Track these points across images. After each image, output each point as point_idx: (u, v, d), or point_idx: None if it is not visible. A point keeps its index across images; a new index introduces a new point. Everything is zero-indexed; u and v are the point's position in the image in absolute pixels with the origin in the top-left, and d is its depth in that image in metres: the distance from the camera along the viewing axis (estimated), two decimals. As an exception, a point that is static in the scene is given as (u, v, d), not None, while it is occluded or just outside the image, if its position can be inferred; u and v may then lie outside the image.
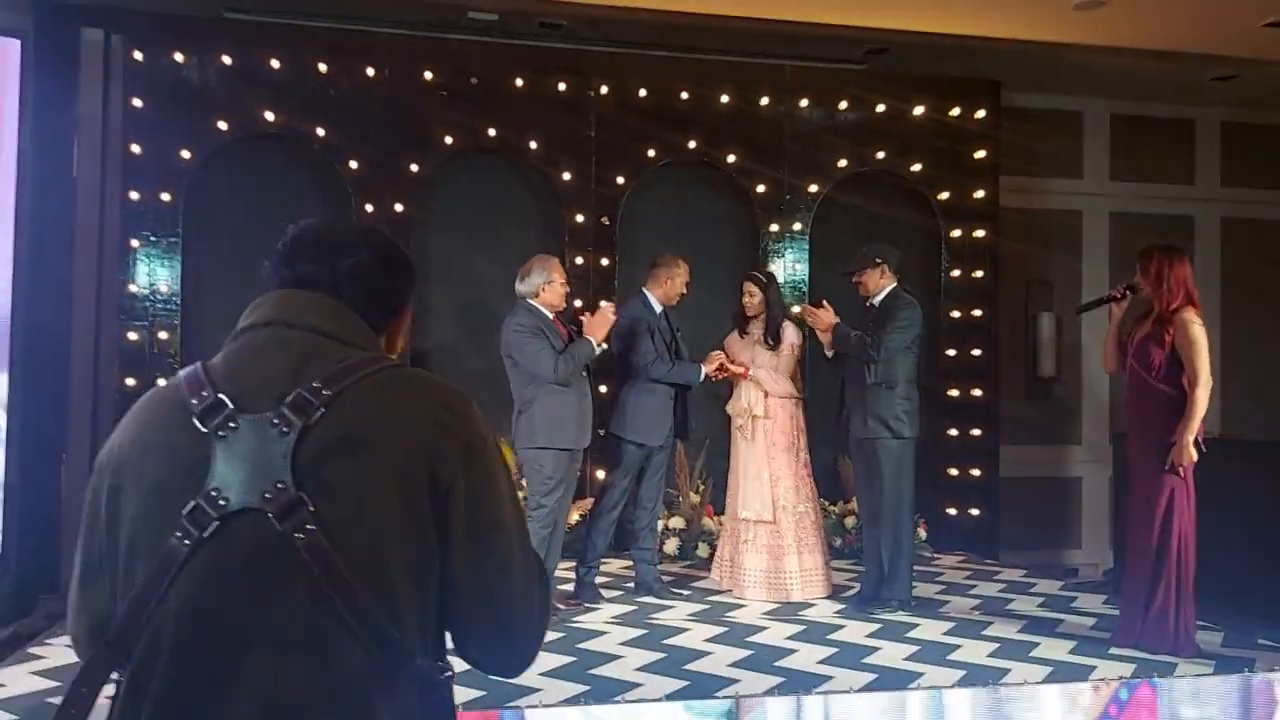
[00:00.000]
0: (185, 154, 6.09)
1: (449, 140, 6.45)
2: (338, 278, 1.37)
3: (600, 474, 5.21)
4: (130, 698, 1.21)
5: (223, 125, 6.15)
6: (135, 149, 6.04)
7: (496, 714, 3.16)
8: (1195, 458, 4.23)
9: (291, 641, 1.19)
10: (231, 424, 1.24)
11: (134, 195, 6.04)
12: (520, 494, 4.93)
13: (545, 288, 4.87)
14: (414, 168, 6.39)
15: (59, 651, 4.32)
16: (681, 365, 5.28)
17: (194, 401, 1.26)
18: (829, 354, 5.23)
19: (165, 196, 6.07)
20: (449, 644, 1.33)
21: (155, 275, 6.07)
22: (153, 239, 6.07)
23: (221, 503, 1.21)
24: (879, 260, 5.13)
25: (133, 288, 6.03)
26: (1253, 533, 5.27)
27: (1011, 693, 3.58)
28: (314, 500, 1.20)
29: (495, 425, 5.74)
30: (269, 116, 6.20)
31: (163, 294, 6.07)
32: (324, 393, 1.24)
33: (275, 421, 1.23)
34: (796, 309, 6.69)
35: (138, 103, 6.06)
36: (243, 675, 1.18)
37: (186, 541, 1.21)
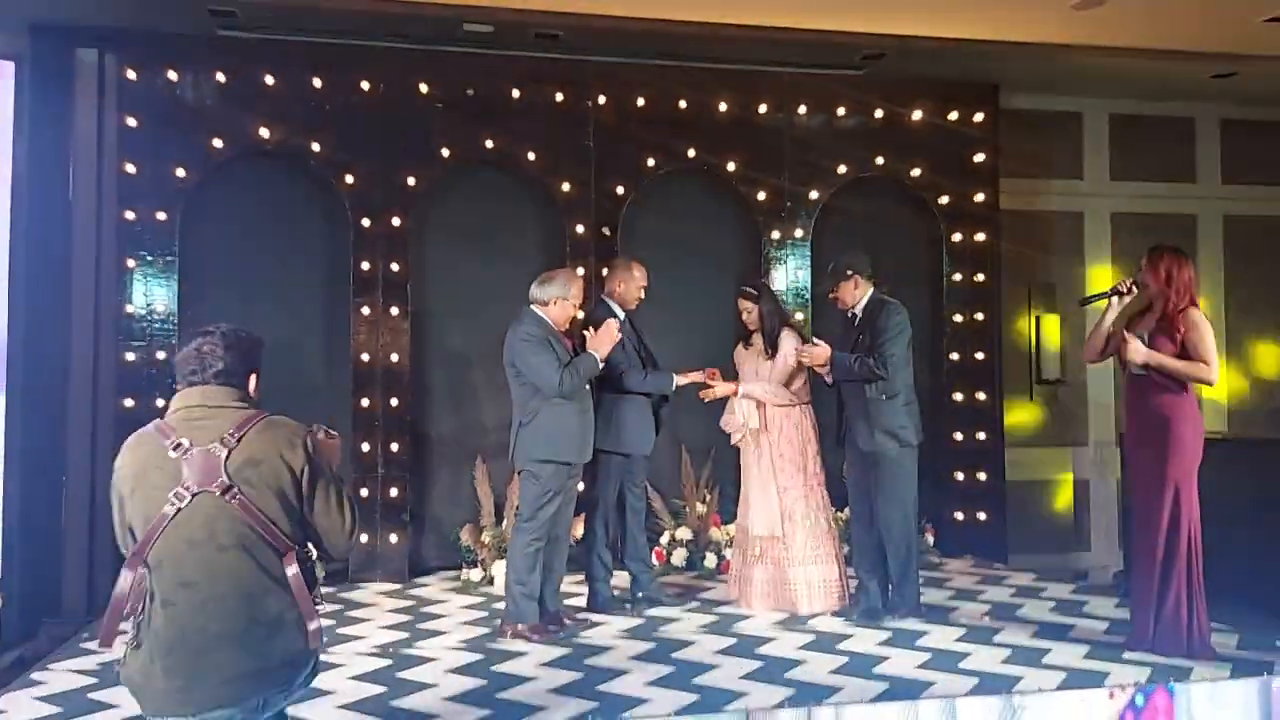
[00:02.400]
0: (181, 172, 6.07)
1: (446, 153, 6.42)
2: (212, 376, 2.58)
3: (580, 486, 5.17)
4: (150, 593, 2.48)
5: (218, 143, 6.12)
6: (130, 168, 6.01)
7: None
8: (1139, 360, 4.30)
9: (230, 548, 2.44)
10: (188, 453, 2.46)
11: (129, 215, 6.01)
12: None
13: (560, 302, 4.84)
14: (411, 181, 6.35)
15: (62, 677, 4.27)
16: (655, 374, 5.25)
17: (167, 442, 2.49)
18: (829, 382, 5.16)
19: (161, 216, 6.04)
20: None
21: (152, 295, 6.03)
22: (149, 258, 6.03)
23: (190, 488, 2.44)
24: (850, 271, 5.06)
25: (130, 308, 6.00)
26: (1265, 532, 5.22)
27: (1025, 700, 3.53)
28: (239, 487, 2.45)
29: (497, 437, 5.76)
30: (264, 133, 6.17)
31: (159, 314, 6.03)
32: (235, 436, 2.49)
33: (213, 450, 2.47)
34: (800, 316, 6.67)
35: (132, 122, 6.03)
36: (210, 570, 2.43)
37: (172, 507, 2.44)
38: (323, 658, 4.18)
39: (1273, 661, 4.22)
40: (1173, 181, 8.08)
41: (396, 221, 6.30)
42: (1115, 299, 4.57)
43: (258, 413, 2.55)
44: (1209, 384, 4.34)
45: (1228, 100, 7.89)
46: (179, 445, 2.45)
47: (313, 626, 2.47)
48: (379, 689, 3.99)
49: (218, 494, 2.42)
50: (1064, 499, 7.77)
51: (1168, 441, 4.27)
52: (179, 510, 2.41)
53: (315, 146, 6.24)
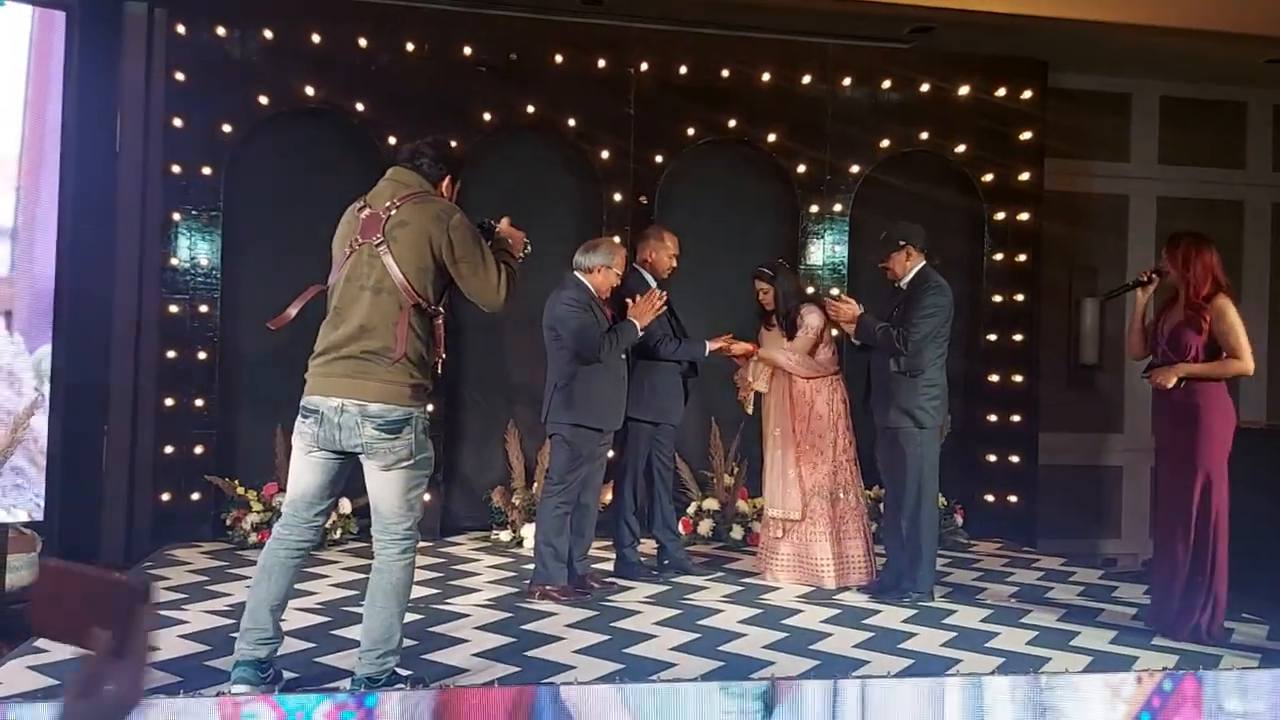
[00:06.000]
0: (226, 128, 6.12)
1: (487, 117, 6.42)
2: (405, 159, 3.50)
3: (610, 454, 5.21)
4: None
5: (264, 99, 6.16)
6: (177, 122, 6.07)
7: (532, 689, 3.16)
8: (1169, 385, 4.29)
9: (370, 289, 3.27)
10: (364, 212, 3.41)
11: (175, 169, 6.08)
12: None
13: (604, 270, 4.88)
14: (452, 144, 6.32)
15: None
16: (688, 342, 5.27)
17: (356, 205, 3.44)
18: (856, 343, 5.14)
19: (206, 170, 6.10)
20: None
21: (196, 249, 6.10)
22: (194, 212, 6.10)
23: (358, 239, 3.34)
24: (902, 242, 5.00)
25: (174, 261, 6.07)
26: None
27: (1052, 681, 3.53)
28: (388, 243, 3.28)
29: (530, 401, 5.80)
30: (309, 91, 6.21)
31: (203, 267, 6.11)
32: (397, 203, 3.31)
33: (379, 212, 3.34)
34: (834, 291, 6.63)
35: (180, 76, 6.08)
36: (356, 302, 3.29)
37: (347, 249, 3.38)
38: (350, 610, 4.28)
39: (1302, 653, 4.20)
40: (1222, 167, 7.93)
41: (437, 183, 6.33)
42: (1140, 290, 4.54)
43: (425, 192, 3.36)
44: (1245, 375, 4.30)
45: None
46: (363, 207, 3.33)
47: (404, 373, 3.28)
48: (410, 642, 4.05)
49: (374, 244, 3.24)
50: (1096, 485, 7.71)
51: (1197, 430, 4.25)
52: (349, 254, 3.29)
53: (359, 106, 6.26)
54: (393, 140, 6.19)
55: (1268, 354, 7.98)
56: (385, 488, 3.33)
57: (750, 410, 5.56)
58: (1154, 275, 4.53)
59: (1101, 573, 5.98)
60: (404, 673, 3.39)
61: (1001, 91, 7.05)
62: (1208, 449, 4.24)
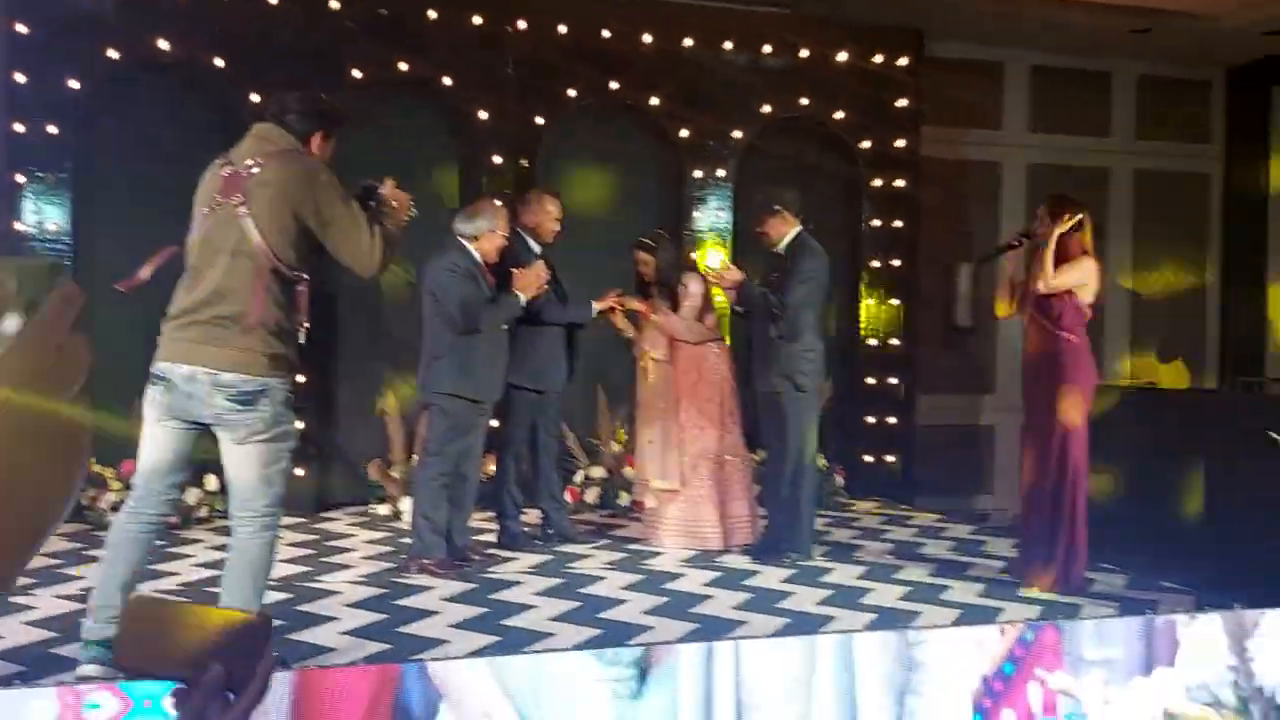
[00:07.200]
0: (74, 84, 5.73)
1: (358, 74, 6.17)
2: (271, 115, 3.32)
3: (494, 423, 5.12)
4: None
5: (114, 53, 5.78)
6: (19, 78, 5.65)
7: (399, 667, 3.06)
8: (1049, 280, 4.39)
9: (225, 252, 3.12)
10: (225, 169, 3.25)
11: (19, 128, 5.67)
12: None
13: (488, 236, 4.75)
14: (324, 98, 6.08)
15: (49, 602, 4.06)
16: (573, 304, 5.19)
17: (218, 162, 3.29)
18: (739, 310, 5.15)
19: (52, 129, 5.70)
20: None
21: (43, 213, 5.72)
22: (40, 174, 5.71)
23: (218, 199, 3.22)
24: (777, 207, 5.03)
25: (19, 226, 5.68)
26: (1158, 479, 5.40)
27: (920, 635, 3.61)
28: (249, 204, 3.10)
29: (409, 371, 5.65)
30: (164, 45, 5.85)
31: (52, 232, 5.73)
32: (259, 161, 3.13)
33: (241, 171, 3.18)
34: (716, 258, 6.63)
35: (21, 28, 5.66)
36: (211, 265, 3.17)
37: (205, 209, 3.23)
38: (213, 591, 4.08)
39: (1156, 600, 4.40)
40: (1089, 135, 8.21)
41: (306, 145, 6.06)
42: (1011, 253, 4.67)
43: (291, 150, 3.17)
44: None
45: (1144, 56, 8.00)
46: (225, 164, 3.15)
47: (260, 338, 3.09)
48: (276, 622, 3.90)
49: (234, 205, 3.06)
50: (971, 444, 7.96)
51: (1060, 389, 4.40)
52: (208, 214, 3.12)
53: (219, 62, 5.93)
54: (255, 98, 5.90)
55: (1130, 317, 8.35)
56: (241, 462, 3.18)
57: (652, 379, 5.50)
58: (1024, 238, 4.65)
59: (973, 528, 6.18)
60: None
61: (879, 59, 7.12)
62: (1069, 405, 4.39)
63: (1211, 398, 6.82)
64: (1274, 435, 4.17)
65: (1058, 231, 4.38)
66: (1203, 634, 3.64)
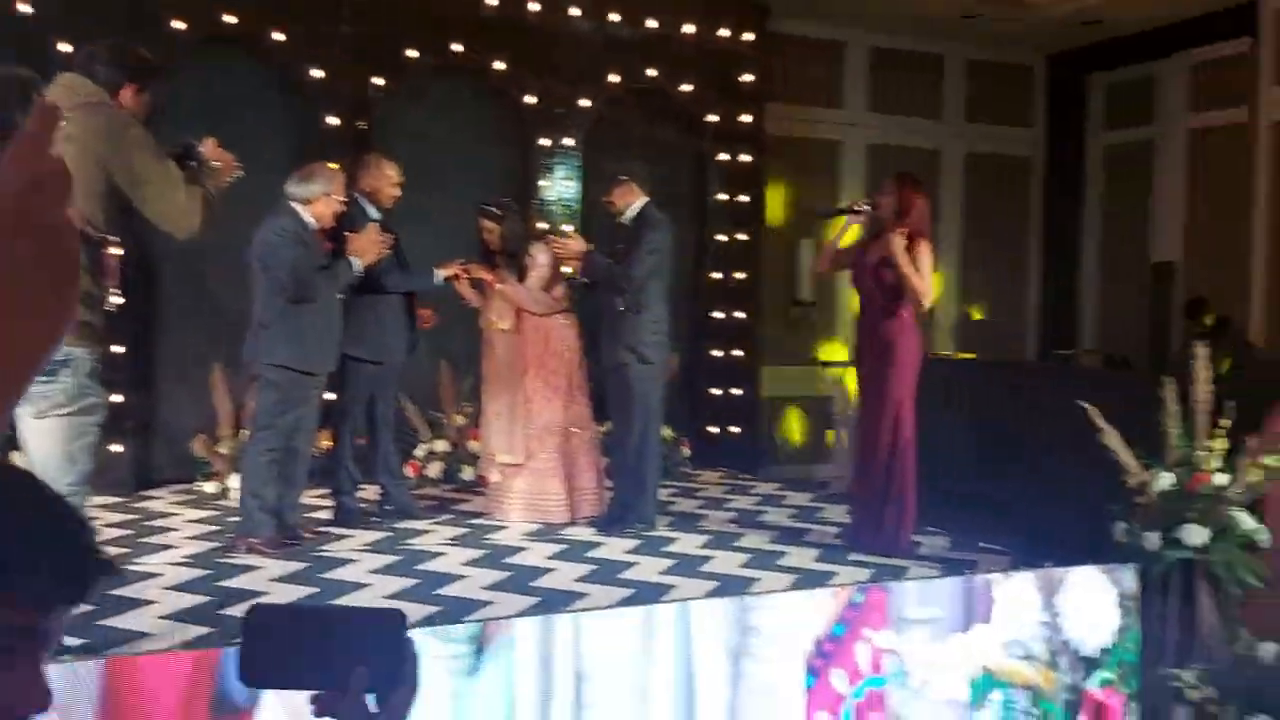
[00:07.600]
0: None
1: (181, 25, 5.77)
2: (78, 64, 3.10)
3: (330, 396, 4.93)
4: None
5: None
6: None
7: (217, 651, 2.91)
8: (893, 249, 4.50)
9: None
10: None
11: None
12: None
13: (323, 200, 4.52)
14: (139, 49, 5.66)
15: None
16: (415, 272, 5.05)
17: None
18: (585, 281, 5.13)
19: None
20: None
21: None
22: None
23: None
24: (623, 177, 5.06)
25: None
26: (980, 446, 5.69)
27: (756, 601, 3.68)
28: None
29: (237, 340, 5.38)
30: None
31: None
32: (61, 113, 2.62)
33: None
34: (563, 228, 6.55)
35: None
36: None
37: None
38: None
39: (975, 560, 4.63)
40: (922, 118, 8.52)
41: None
42: (850, 217, 4.80)
43: (98, 103, 2.96)
44: (922, 304, 4.62)
45: (972, 40, 8.35)
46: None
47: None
48: (85, 607, 3.65)
49: None
50: (812, 415, 8.19)
51: (891, 362, 4.58)
52: None
53: (21, 6, 5.44)
54: (63, 47, 5.43)
55: (958, 294, 8.76)
56: (41, 438, 2.95)
57: (499, 350, 5.39)
58: (866, 206, 4.79)
59: (812, 496, 6.36)
60: (72, 641, 3.04)
61: (724, 33, 7.17)
62: (899, 378, 4.57)
63: (1028, 370, 7.24)
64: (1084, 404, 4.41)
65: (902, 243, 4.50)
66: (1016, 592, 3.85)
